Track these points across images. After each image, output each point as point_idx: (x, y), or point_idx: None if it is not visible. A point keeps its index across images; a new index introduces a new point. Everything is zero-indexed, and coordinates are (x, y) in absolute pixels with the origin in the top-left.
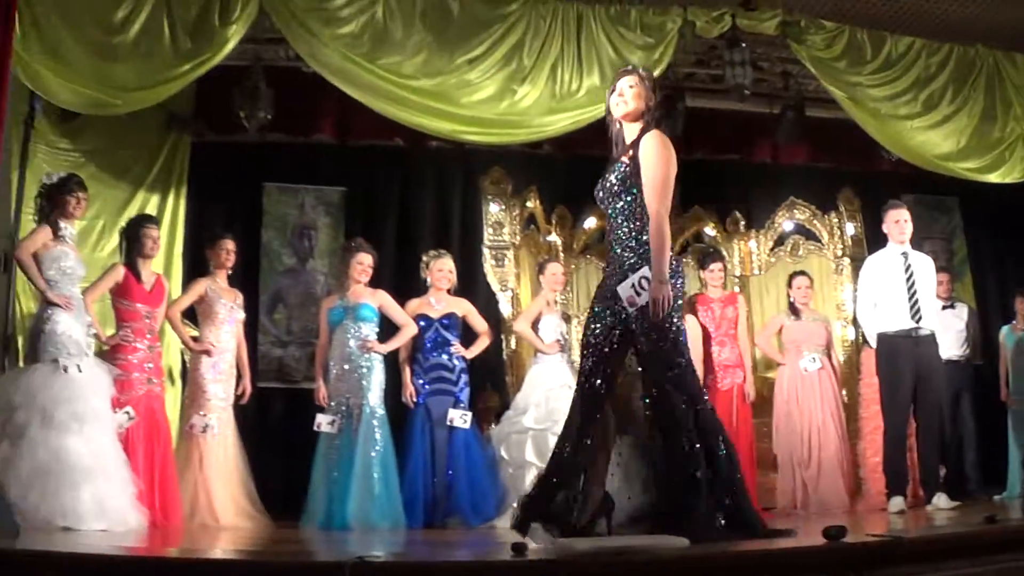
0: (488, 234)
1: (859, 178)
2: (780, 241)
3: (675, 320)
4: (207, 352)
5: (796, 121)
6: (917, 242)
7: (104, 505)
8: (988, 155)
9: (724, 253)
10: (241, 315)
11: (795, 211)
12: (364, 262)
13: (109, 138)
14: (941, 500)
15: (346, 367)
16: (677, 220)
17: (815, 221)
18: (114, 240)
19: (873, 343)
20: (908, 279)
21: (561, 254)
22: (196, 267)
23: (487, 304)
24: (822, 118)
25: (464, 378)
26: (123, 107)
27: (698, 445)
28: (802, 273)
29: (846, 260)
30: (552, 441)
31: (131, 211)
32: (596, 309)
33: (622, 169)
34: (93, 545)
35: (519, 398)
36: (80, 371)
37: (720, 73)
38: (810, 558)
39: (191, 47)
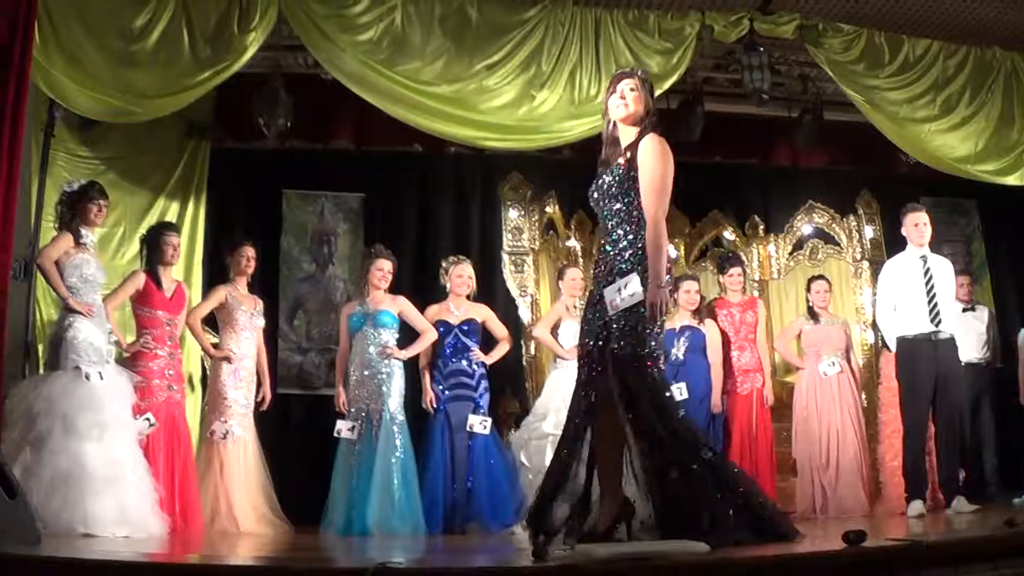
0: (507, 240)
1: (877, 181)
2: (799, 245)
3: (655, 328)
4: (227, 359)
5: (814, 125)
6: (936, 245)
7: (125, 512)
8: (1006, 158)
9: (743, 257)
10: (261, 322)
11: (814, 215)
12: (384, 268)
13: (129, 145)
14: (960, 504)
15: (366, 373)
16: (696, 225)
17: (834, 225)
18: (134, 247)
19: (892, 347)
20: (927, 282)
21: (580, 259)
22: (216, 274)
23: (506, 310)
24: (840, 121)
25: (484, 384)
26: (143, 115)
27: (672, 453)
28: (821, 277)
29: (865, 263)
30: None
31: (151, 218)
32: (588, 315)
33: (619, 171)
34: (114, 551)
35: (539, 404)
36: (101, 378)
37: (738, 77)
38: (830, 562)
39: (210, 54)
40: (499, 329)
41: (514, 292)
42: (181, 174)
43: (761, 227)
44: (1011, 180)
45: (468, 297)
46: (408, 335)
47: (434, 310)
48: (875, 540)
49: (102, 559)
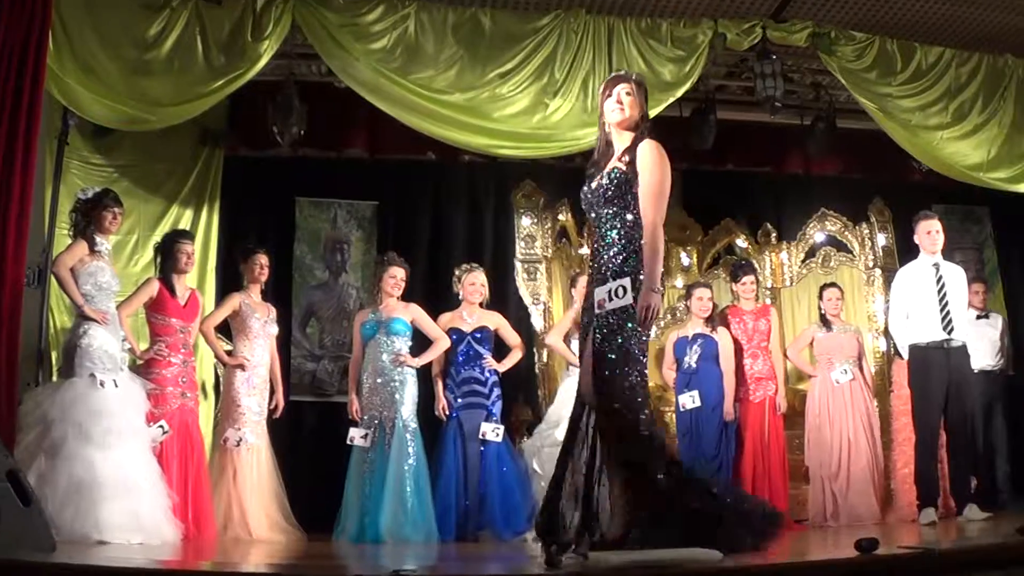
0: (520, 247)
1: (890, 189)
2: (811, 252)
3: (638, 330)
4: (241, 366)
5: (827, 132)
6: (948, 252)
7: (139, 519)
8: (1018, 165)
9: (756, 265)
10: (275, 329)
11: (826, 222)
12: (396, 276)
13: (142, 153)
14: (972, 511)
15: (379, 381)
16: (708, 233)
17: (846, 232)
18: (147, 255)
19: (905, 354)
20: (940, 290)
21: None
22: (229, 281)
23: (519, 317)
24: (853, 129)
25: (496, 391)
26: (157, 123)
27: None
28: (833, 285)
29: (877, 271)
30: None
31: (165, 226)
32: (584, 319)
33: (616, 175)
34: (128, 559)
35: (551, 411)
36: (116, 386)
37: (751, 85)
38: (843, 570)
39: (224, 63)
40: (512, 337)
41: (527, 300)
42: (195, 182)
43: (773, 235)
44: (1023, 187)
45: (481, 305)
46: (421, 343)
47: (447, 318)
48: (887, 548)
49: (116, 566)
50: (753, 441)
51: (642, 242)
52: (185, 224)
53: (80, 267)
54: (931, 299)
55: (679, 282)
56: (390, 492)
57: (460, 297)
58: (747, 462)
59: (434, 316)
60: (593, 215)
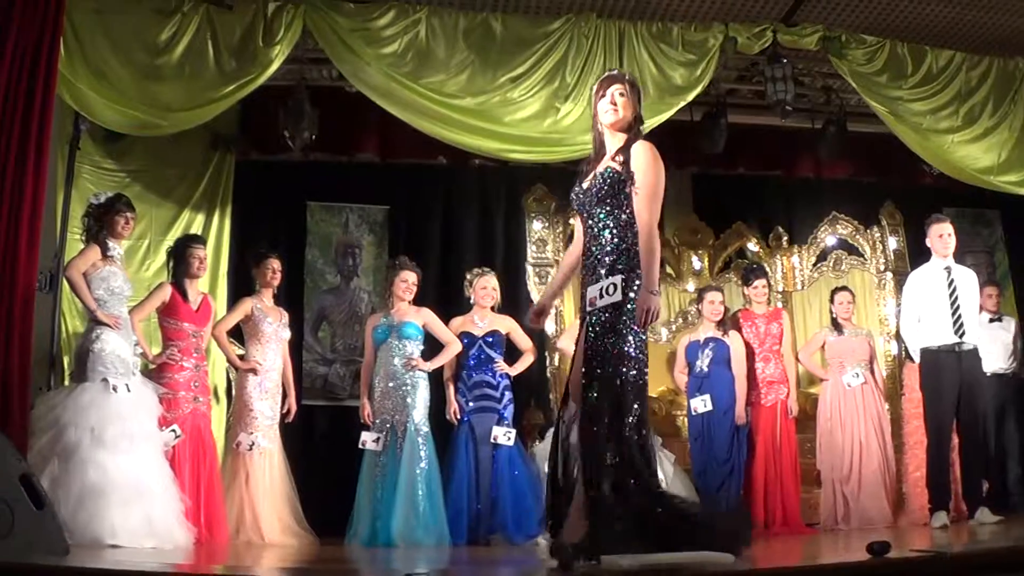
0: (532, 251)
1: (901, 192)
2: (823, 256)
3: (636, 330)
4: (253, 370)
5: (838, 136)
6: (959, 255)
7: (152, 523)
8: None
9: (767, 269)
10: (287, 334)
11: (837, 226)
12: (408, 280)
13: (154, 158)
14: (984, 514)
15: (391, 385)
16: (719, 236)
17: (857, 236)
18: (159, 259)
19: (916, 358)
20: (951, 293)
21: None
22: (241, 286)
23: None
24: (864, 133)
25: (508, 395)
26: (168, 127)
27: (610, 458)
28: (845, 288)
29: (888, 275)
30: None
31: (176, 230)
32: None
33: (610, 174)
34: (141, 563)
35: None
36: (128, 390)
37: (762, 89)
38: (854, 573)
39: (235, 67)
40: (523, 340)
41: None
42: (206, 187)
43: (785, 238)
44: None
45: (492, 309)
46: (433, 347)
47: (458, 322)
48: (899, 551)
49: (128, 569)
50: (765, 445)
51: (635, 241)
52: (197, 229)
53: (93, 272)
54: (943, 302)
55: (690, 286)
56: (402, 496)
57: (472, 301)
58: (759, 466)
59: (446, 320)
60: (585, 215)
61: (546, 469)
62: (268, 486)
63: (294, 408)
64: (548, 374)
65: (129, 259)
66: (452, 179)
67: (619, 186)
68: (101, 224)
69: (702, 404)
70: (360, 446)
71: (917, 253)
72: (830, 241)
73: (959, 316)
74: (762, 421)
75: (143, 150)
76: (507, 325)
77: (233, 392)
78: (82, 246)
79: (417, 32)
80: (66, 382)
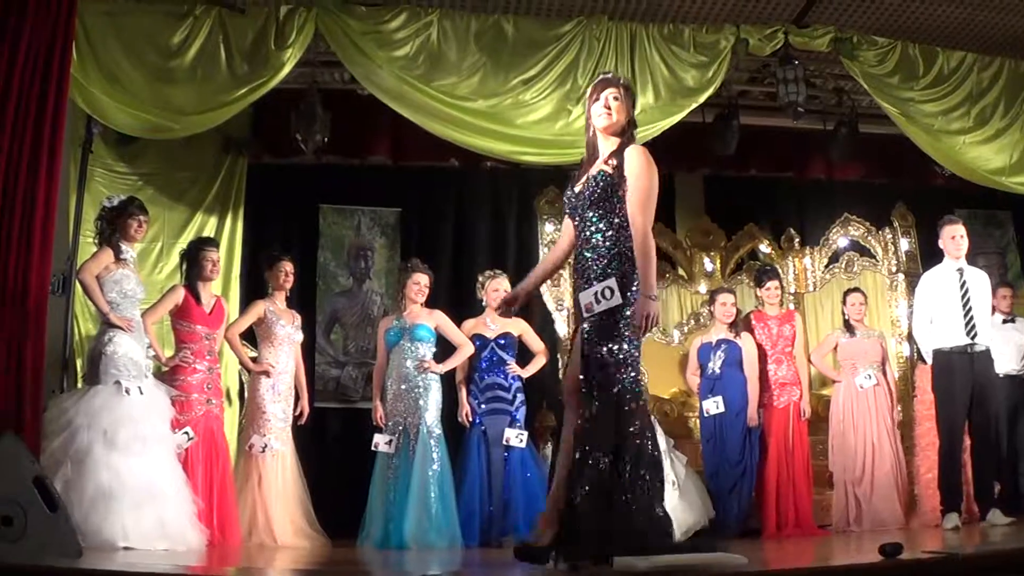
0: (544, 254)
1: (913, 194)
2: (835, 258)
3: (631, 336)
4: (266, 373)
5: (849, 137)
6: (971, 257)
7: (165, 525)
8: None
9: (779, 271)
10: (299, 336)
11: (849, 227)
12: (420, 282)
13: (166, 161)
14: (995, 516)
15: (403, 387)
16: (731, 238)
17: (869, 237)
18: (172, 262)
19: (929, 359)
20: (963, 295)
21: None
22: (253, 289)
23: (543, 324)
24: (875, 134)
25: (520, 397)
26: (180, 131)
27: (602, 463)
28: (857, 290)
29: (900, 276)
30: None
31: (189, 233)
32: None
33: (603, 178)
34: (154, 564)
35: None
36: (141, 393)
37: (773, 90)
38: (867, 575)
39: (247, 71)
40: (535, 343)
41: (550, 306)
42: (219, 190)
43: (796, 240)
44: None
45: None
46: (445, 349)
47: (470, 324)
48: (911, 553)
49: (141, 571)
50: (777, 447)
51: (628, 245)
52: (209, 232)
53: (105, 275)
54: (955, 304)
55: (702, 287)
56: (414, 498)
57: (484, 303)
58: (771, 468)
59: (458, 322)
60: (577, 218)
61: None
62: (280, 488)
63: (307, 410)
64: (560, 376)
65: (142, 262)
66: (464, 181)
67: (612, 189)
68: (114, 227)
69: (714, 406)
70: (372, 448)
71: (929, 254)
72: (842, 243)
73: (971, 317)
74: (774, 423)
75: (155, 153)
76: (519, 327)
77: (246, 394)
78: (95, 249)
79: (429, 35)
80: (79, 385)
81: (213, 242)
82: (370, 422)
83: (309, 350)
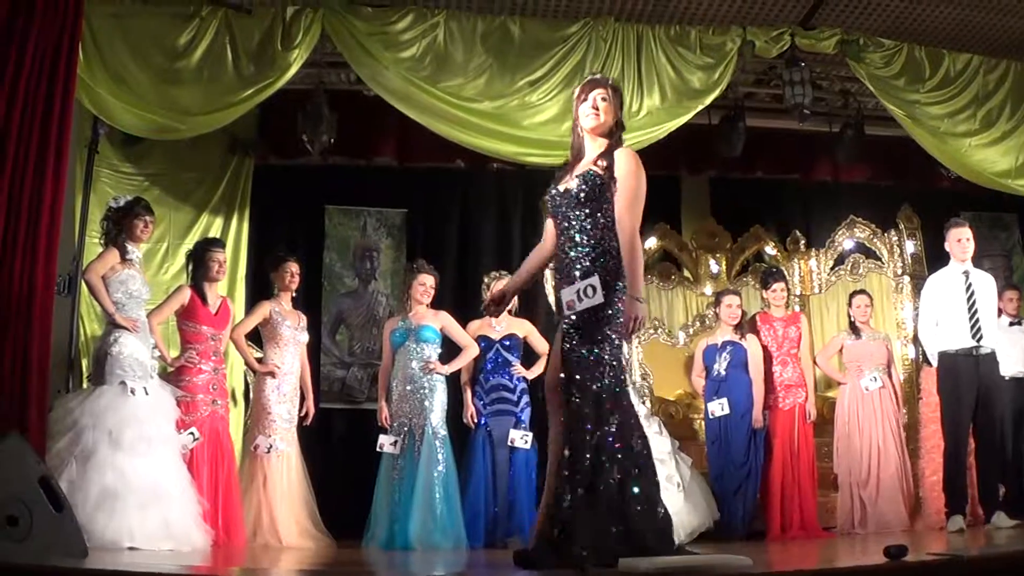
0: None
1: (918, 196)
2: (840, 260)
3: (614, 338)
4: (271, 374)
5: (855, 139)
6: (976, 259)
7: (170, 525)
8: None
9: (785, 273)
10: (305, 337)
11: (855, 229)
12: (426, 283)
13: (172, 162)
14: (1000, 519)
15: (408, 388)
16: (737, 240)
17: (875, 239)
18: (177, 263)
19: (934, 362)
20: (969, 297)
21: None
22: (259, 289)
23: (548, 325)
24: (881, 136)
25: (525, 399)
26: (187, 131)
27: (586, 463)
28: (862, 292)
29: (906, 278)
30: None
31: (195, 234)
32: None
33: (592, 177)
34: (159, 565)
35: None
36: (146, 393)
37: (780, 92)
38: None
39: (254, 72)
40: (540, 344)
41: (555, 307)
42: (225, 190)
43: (802, 242)
44: None
45: (510, 312)
46: (450, 350)
47: (476, 325)
48: (916, 555)
49: (147, 572)
50: (782, 449)
51: (612, 244)
52: (215, 232)
53: (111, 275)
54: (960, 306)
55: (708, 289)
56: (419, 499)
57: None
58: (776, 470)
59: (463, 324)
60: (560, 217)
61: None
62: (285, 489)
63: (312, 411)
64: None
65: (147, 262)
66: (470, 183)
67: (601, 189)
68: (120, 227)
69: (719, 408)
70: (378, 449)
71: (934, 257)
72: (847, 245)
73: (977, 320)
74: (780, 425)
75: (161, 154)
76: (524, 329)
77: (251, 395)
78: (101, 249)
79: (435, 36)
80: (84, 385)
81: (219, 243)
82: (375, 423)
83: (315, 351)
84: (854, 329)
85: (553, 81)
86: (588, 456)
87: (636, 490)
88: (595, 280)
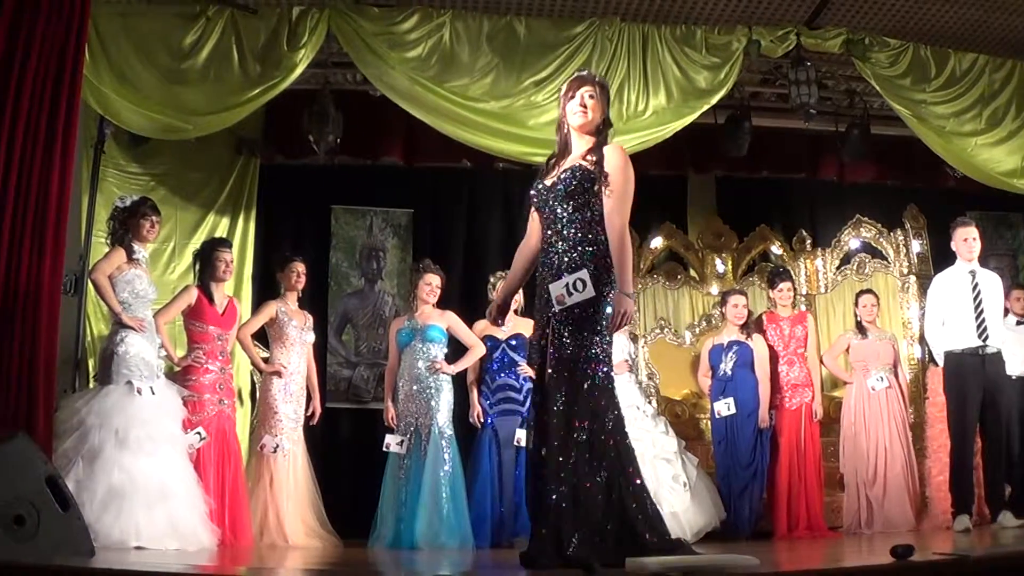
0: None
1: (924, 195)
2: (846, 259)
3: (606, 335)
4: (278, 373)
5: (861, 139)
6: (983, 259)
7: (176, 525)
8: None
9: (791, 272)
10: (311, 337)
11: (861, 229)
12: (432, 283)
13: (179, 162)
14: (1007, 518)
15: (415, 388)
16: (743, 239)
17: (881, 239)
18: (184, 263)
19: (940, 361)
20: (975, 297)
21: None
22: (265, 289)
23: None
24: (887, 135)
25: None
26: (193, 131)
27: (577, 460)
28: (869, 291)
29: (912, 278)
30: None
31: (201, 234)
32: (537, 317)
33: (580, 172)
34: (166, 564)
35: None
36: (153, 393)
37: (785, 92)
38: None
39: (260, 72)
40: None
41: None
42: (231, 190)
43: (808, 241)
44: None
45: (516, 312)
46: (456, 350)
47: (482, 325)
48: (922, 555)
49: (153, 571)
50: (789, 448)
51: (601, 239)
52: (222, 232)
53: (118, 275)
54: (966, 306)
55: (714, 289)
56: (426, 499)
57: None
58: (782, 469)
59: (469, 323)
60: (547, 211)
61: None
62: (292, 488)
63: (318, 411)
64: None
65: (154, 262)
66: (476, 182)
67: (589, 184)
68: (126, 227)
69: (725, 407)
70: (384, 449)
71: (940, 256)
72: (854, 244)
73: (983, 320)
74: (786, 424)
75: (168, 154)
76: (531, 328)
77: (257, 395)
78: (107, 249)
79: (441, 36)
80: (91, 385)
81: (226, 243)
82: (382, 423)
83: (321, 351)
84: (860, 329)
85: (559, 81)
86: (580, 453)
87: (629, 486)
88: (584, 274)
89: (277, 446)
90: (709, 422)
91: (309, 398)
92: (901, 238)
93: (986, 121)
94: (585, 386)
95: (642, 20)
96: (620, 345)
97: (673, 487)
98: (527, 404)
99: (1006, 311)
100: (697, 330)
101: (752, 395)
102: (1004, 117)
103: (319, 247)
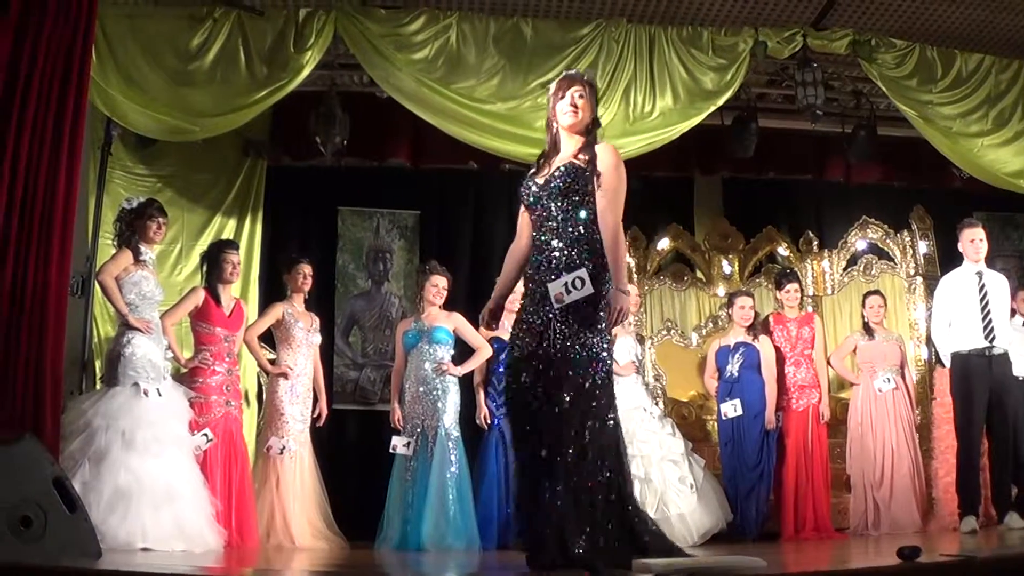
0: None
1: (931, 196)
2: (853, 260)
3: (605, 334)
4: (284, 375)
5: (868, 140)
6: (989, 260)
7: (183, 526)
8: None
9: (798, 273)
10: (318, 338)
11: (868, 230)
12: (439, 285)
13: (185, 163)
14: (1013, 519)
15: (421, 389)
16: (750, 241)
17: (888, 240)
18: (191, 264)
19: (947, 362)
20: (982, 298)
21: (635, 275)
22: (272, 291)
23: None
24: (893, 136)
25: None
26: (200, 133)
27: (577, 460)
28: (876, 292)
29: (919, 279)
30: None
31: (208, 236)
32: (529, 318)
33: (573, 170)
34: (172, 565)
35: None
36: (159, 395)
37: (792, 93)
38: None
39: (267, 73)
40: None
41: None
42: (238, 192)
43: (815, 243)
44: None
45: (516, 312)
46: (463, 351)
47: None
48: (929, 556)
49: (160, 572)
50: (796, 450)
51: (596, 237)
52: (228, 234)
53: (124, 276)
54: (973, 307)
55: (721, 290)
56: (432, 500)
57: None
58: (789, 471)
59: (476, 325)
60: (539, 209)
61: None
62: (299, 490)
63: (325, 412)
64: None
65: (161, 264)
66: (482, 184)
67: (581, 181)
68: (133, 229)
69: (732, 409)
70: (391, 450)
71: (947, 257)
72: (860, 245)
73: (990, 321)
74: (793, 426)
75: (174, 155)
76: None
77: (264, 396)
78: (114, 251)
79: (448, 37)
80: (97, 386)
81: (234, 244)
82: (388, 424)
83: (327, 352)
84: (867, 330)
85: None
86: (582, 453)
87: (627, 487)
88: (583, 272)
89: (284, 448)
90: (716, 423)
91: (316, 400)
92: (908, 239)
93: (992, 122)
94: (586, 386)
95: (648, 21)
96: (627, 346)
97: (680, 489)
98: None
99: (1013, 312)
100: (704, 331)
101: (759, 396)
102: (1011, 118)
103: (326, 249)
